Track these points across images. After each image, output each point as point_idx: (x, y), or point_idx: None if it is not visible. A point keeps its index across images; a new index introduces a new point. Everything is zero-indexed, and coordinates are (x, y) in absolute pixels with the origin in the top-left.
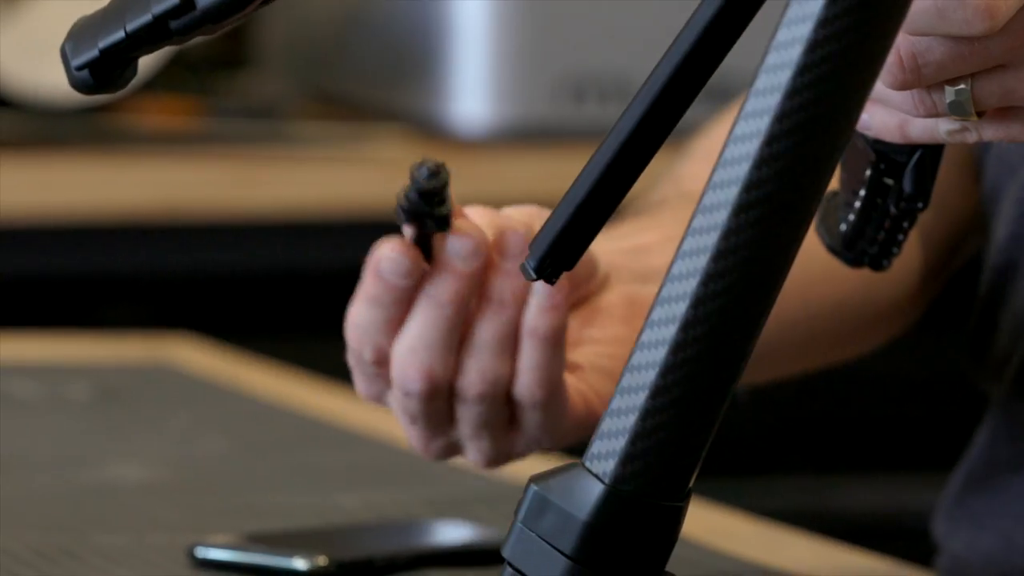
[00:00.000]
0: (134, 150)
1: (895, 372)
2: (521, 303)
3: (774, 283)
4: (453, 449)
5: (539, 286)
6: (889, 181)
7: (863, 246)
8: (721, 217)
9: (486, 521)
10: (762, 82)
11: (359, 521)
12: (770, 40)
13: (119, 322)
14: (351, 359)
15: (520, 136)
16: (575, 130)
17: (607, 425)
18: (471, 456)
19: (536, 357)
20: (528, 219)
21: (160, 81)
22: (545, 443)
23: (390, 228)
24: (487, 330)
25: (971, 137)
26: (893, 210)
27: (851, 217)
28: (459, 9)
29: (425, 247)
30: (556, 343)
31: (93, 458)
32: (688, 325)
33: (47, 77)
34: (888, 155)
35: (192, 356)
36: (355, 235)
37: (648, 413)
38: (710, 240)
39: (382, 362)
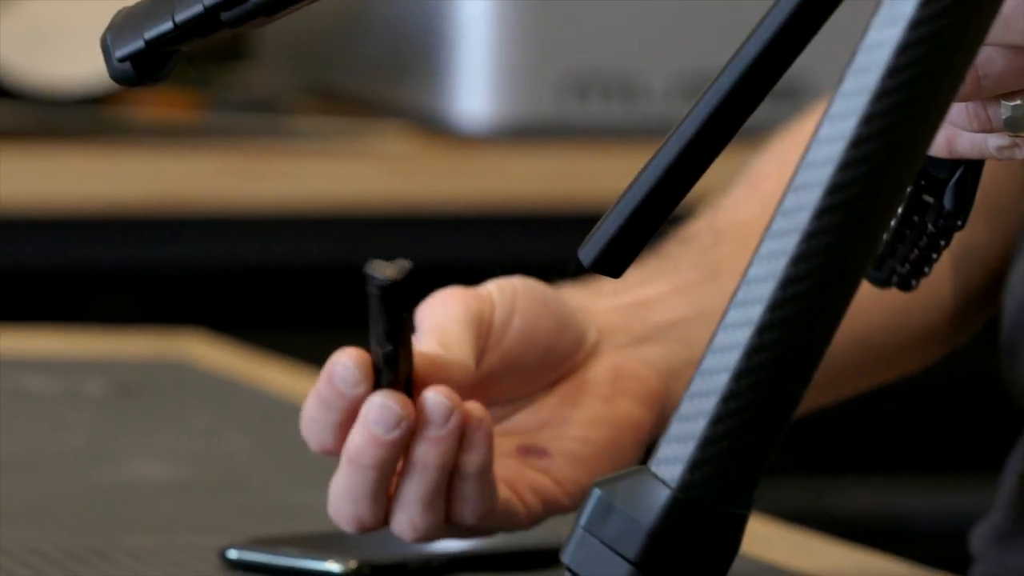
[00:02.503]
0: (135, 142)
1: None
2: (446, 467)
3: (851, 288)
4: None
5: (460, 423)
6: (928, 198)
7: (893, 264)
8: (802, 220)
9: None
10: (849, 84)
11: None
12: (858, 41)
13: (119, 316)
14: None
15: (522, 133)
16: (578, 128)
17: (675, 430)
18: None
19: (468, 491)
20: (516, 312)
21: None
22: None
23: (394, 223)
24: (413, 490)
25: (1020, 154)
26: (931, 228)
27: (884, 235)
28: (462, 4)
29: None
30: (486, 477)
31: (115, 456)
32: (764, 329)
33: (47, 67)
34: (928, 172)
35: (204, 352)
36: (355, 230)
37: (719, 418)
38: (790, 243)
39: (330, 453)
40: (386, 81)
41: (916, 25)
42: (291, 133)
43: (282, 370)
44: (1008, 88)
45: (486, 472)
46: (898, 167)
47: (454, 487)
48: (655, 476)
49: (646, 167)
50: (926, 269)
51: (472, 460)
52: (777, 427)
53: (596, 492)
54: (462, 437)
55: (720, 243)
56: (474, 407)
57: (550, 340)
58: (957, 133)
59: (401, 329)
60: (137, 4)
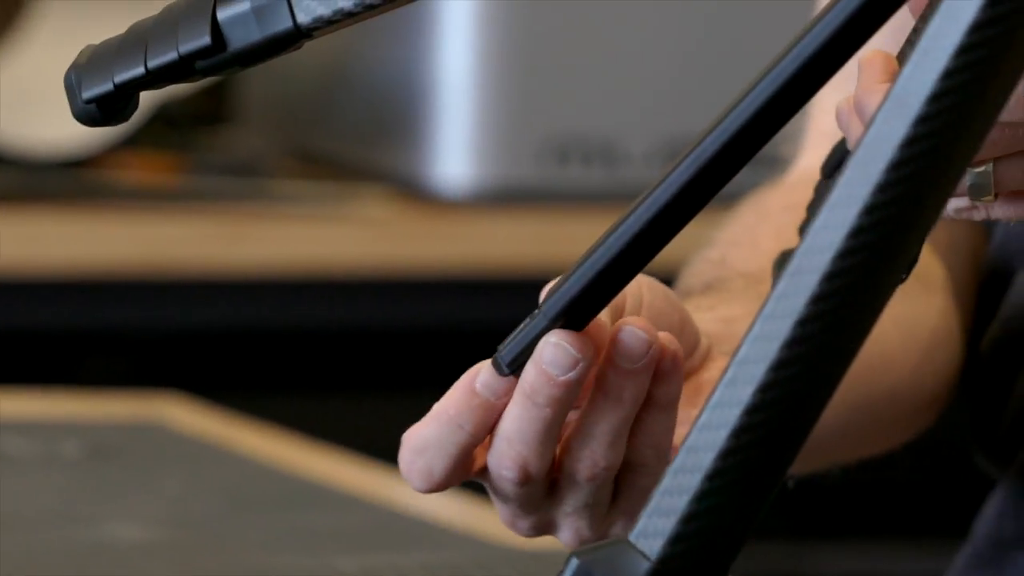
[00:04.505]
0: (116, 205)
1: None
2: (639, 399)
3: (840, 373)
4: (543, 528)
5: (658, 352)
6: None
7: None
8: (797, 304)
9: None
10: (851, 173)
11: None
12: (864, 132)
13: (102, 378)
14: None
15: (503, 198)
16: (558, 193)
17: (657, 503)
18: (564, 536)
19: (654, 424)
20: (643, 304)
21: (141, 136)
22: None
23: (374, 287)
24: (602, 424)
25: (978, 215)
26: None
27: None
28: (442, 69)
29: None
30: (673, 409)
31: (89, 517)
32: (753, 410)
33: (30, 130)
34: None
35: (180, 415)
36: (335, 293)
37: (703, 495)
38: (783, 326)
39: (434, 489)
40: (367, 145)
41: (923, 120)
42: (272, 197)
43: (257, 433)
44: (977, 158)
45: (676, 404)
46: (897, 254)
47: (640, 422)
48: (635, 548)
49: (615, 227)
50: None
51: (666, 391)
52: (758, 505)
53: (574, 561)
54: (656, 368)
55: (761, 283)
56: (668, 339)
57: (675, 336)
58: None
59: None
60: (104, 43)
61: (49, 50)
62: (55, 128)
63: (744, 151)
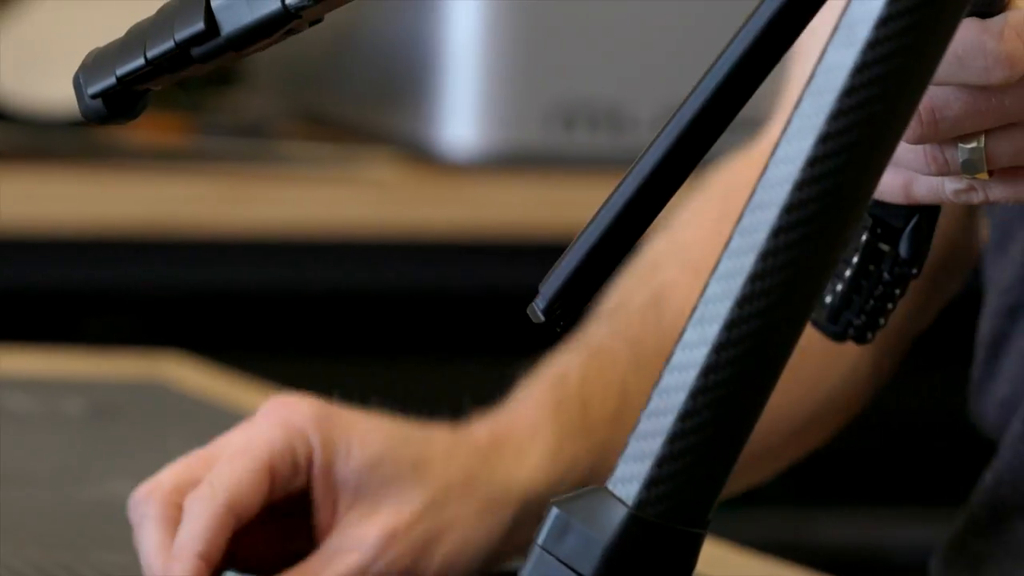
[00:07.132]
0: (124, 165)
1: (886, 405)
2: None
3: (808, 307)
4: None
5: None
6: (884, 247)
7: (849, 317)
8: (759, 238)
9: None
10: (807, 104)
11: None
12: (816, 63)
13: (105, 337)
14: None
15: (508, 162)
16: (564, 157)
17: (633, 448)
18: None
19: None
20: None
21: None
22: None
23: (379, 250)
24: None
25: (977, 197)
26: (886, 276)
27: (839, 287)
28: (450, 33)
29: None
30: None
31: (91, 474)
32: (721, 347)
33: (39, 89)
34: (884, 220)
35: (183, 374)
36: (340, 256)
37: (675, 436)
38: (747, 262)
39: None
40: (374, 108)
41: (872, 45)
42: (279, 158)
43: (258, 393)
44: (965, 130)
45: None
46: (855, 186)
47: None
48: (612, 494)
49: (604, 205)
50: (881, 320)
51: None
52: (734, 446)
53: (554, 510)
54: None
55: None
56: None
57: None
58: (914, 178)
59: None
60: (109, 43)
61: (56, 9)
62: (62, 87)
63: (723, 113)
